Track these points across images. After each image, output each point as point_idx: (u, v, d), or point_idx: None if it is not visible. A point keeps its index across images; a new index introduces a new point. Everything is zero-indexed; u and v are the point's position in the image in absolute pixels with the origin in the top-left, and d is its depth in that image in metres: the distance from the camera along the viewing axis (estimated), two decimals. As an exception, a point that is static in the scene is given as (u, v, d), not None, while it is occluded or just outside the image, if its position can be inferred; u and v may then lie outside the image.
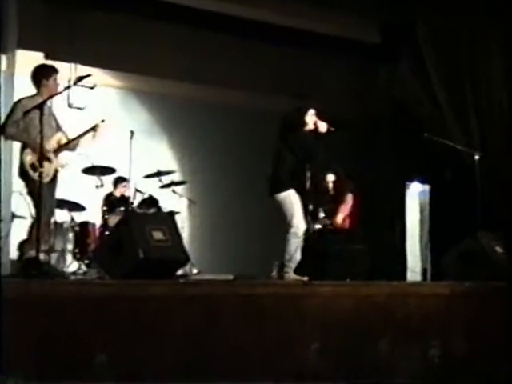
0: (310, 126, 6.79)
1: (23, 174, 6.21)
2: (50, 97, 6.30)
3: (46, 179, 6.12)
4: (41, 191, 5.72)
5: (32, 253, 5.73)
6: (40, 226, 5.68)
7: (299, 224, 6.53)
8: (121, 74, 9.99)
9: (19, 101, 6.36)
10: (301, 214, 6.61)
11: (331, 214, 8.23)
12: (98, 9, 9.35)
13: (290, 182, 6.62)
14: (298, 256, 6.58)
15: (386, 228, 9.87)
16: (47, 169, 6.15)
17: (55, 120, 6.54)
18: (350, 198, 8.36)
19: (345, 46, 10.43)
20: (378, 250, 8.31)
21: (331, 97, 10.76)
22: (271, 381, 4.71)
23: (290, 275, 6.50)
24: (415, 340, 5.52)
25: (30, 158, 6.15)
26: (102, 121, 6.49)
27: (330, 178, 8.49)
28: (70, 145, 6.50)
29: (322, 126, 6.75)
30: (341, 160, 8.61)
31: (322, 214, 8.10)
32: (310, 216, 7.22)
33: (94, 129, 6.39)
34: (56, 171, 6.34)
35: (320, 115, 6.85)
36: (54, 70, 6.50)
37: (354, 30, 10.22)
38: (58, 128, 6.52)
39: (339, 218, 8.24)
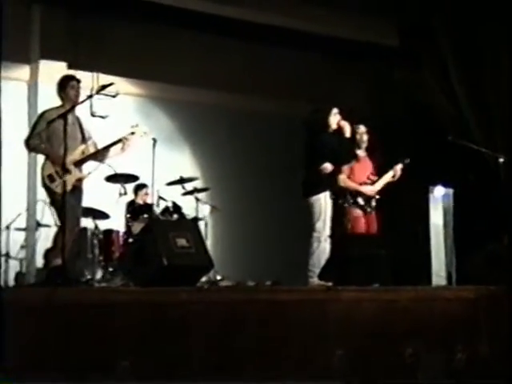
0: (333, 127, 6.78)
1: (44, 184, 6.25)
2: (72, 107, 6.31)
3: (63, 189, 6.10)
4: (64, 201, 5.76)
5: (57, 261, 5.77)
6: (64, 235, 5.70)
7: (322, 229, 6.53)
8: (142, 82, 10.05)
9: (43, 113, 6.41)
10: (327, 219, 6.63)
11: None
12: (118, 19, 9.42)
13: (322, 185, 6.64)
14: (322, 261, 6.58)
15: (409, 232, 9.81)
16: (67, 180, 6.12)
17: (82, 131, 6.51)
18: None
19: (362, 49, 10.40)
20: (402, 255, 8.28)
21: (349, 101, 10.77)
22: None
23: (314, 280, 6.50)
24: (440, 344, 5.49)
25: (48, 169, 6.18)
26: (132, 133, 6.45)
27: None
28: (98, 156, 6.48)
29: (346, 130, 6.74)
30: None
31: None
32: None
33: (121, 140, 6.36)
34: (78, 181, 6.34)
35: (343, 114, 6.84)
36: (75, 80, 6.52)
37: (372, 33, 10.19)
38: (84, 139, 6.48)
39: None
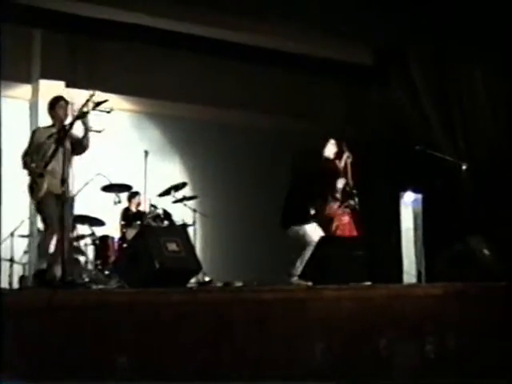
0: (330, 155, 6.91)
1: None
2: (62, 127, 6.22)
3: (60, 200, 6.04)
4: (63, 211, 5.72)
5: (43, 265, 5.87)
6: (61, 244, 5.72)
7: (313, 233, 6.59)
8: (135, 99, 10.02)
9: (34, 131, 6.36)
10: (315, 227, 6.68)
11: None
12: (115, 39, 9.39)
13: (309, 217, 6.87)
14: (304, 262, 6.63)
15: (383, 235, 9.83)
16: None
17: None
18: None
19: (339, 69, 10.42)
20: (376, 256, 8.27)
21: (328, 116, 10.79)
22: (279, 380, 4.68)
23: (295, 279, 6.51)
24: (412, 337, 5.48)
25: (47, 183, 6.11)
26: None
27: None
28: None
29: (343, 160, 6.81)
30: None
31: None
32: None
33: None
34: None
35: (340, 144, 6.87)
36: (64, 101, 6.45)
37: (348, 54, 10.21)
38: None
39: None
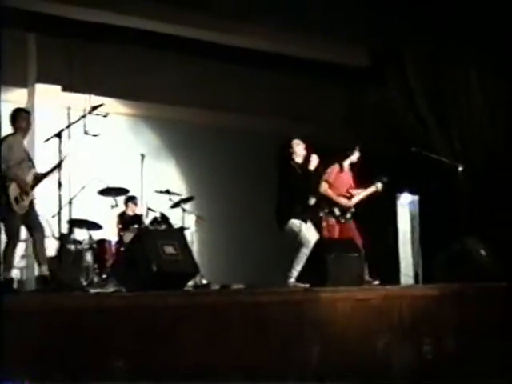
0: (300, 156, 6.83)
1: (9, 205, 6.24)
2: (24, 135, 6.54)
3: (23, 211, 6.25)
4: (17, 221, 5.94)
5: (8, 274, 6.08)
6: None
7: (309, 243, 6.64)
8: (131, 103, 10.04)
9: (5, 138, 6.36)
10: (310, 227, 6.67)
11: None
12: (110, 43, 9.41)
13: (291, 214, 6.70)
14: (301, 265, 6.64)
15: (379, 236, 9.85)
16: (25, 202, 6.29)
17: (29, 157, 6.61)
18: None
19: (336, 71, 10.45)
20: (373, 257, 8.29)
21: (325, 118, 10.82)
22: (276, 382, 4.70)
23: (292, 281, 6.53)
24: (409, 338, 5.51)
25: (14, 191, 6.21)
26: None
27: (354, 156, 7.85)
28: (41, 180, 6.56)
29: (313, 162, 6.75)
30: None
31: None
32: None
33: (59, 165, 6.30)
34: (31, 203, 6.42)
35: (309, 146, 6.84)
36: (25, 112, 6.72)
37: (344, 56, 10.25)
38: (32, 164, 6.57)
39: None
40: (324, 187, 7.43)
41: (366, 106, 10.87)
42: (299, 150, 6.81)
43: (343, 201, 7.53)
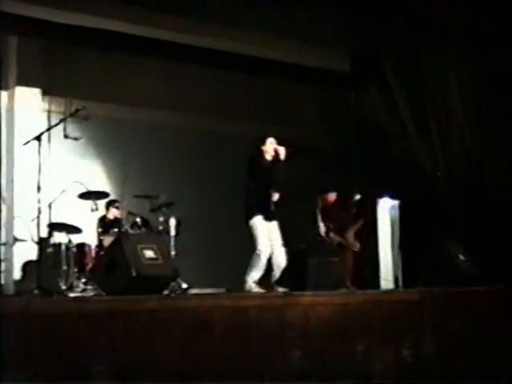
0: (270, 154, 6.83)
1: None
2: None
3: None
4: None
5: None
6: None
7: (263, 248, 6.64)
8: (112, 106, 10.00)
9: None
10: (265, 239, 6.68)
11: (341, 230, 8.14)
12: (90, 46, 9.38)
13: (256, 209, 6.70)
14: (260, 271, 6.67)
15: (360, 241, 9.90)
16: None
17: None
18: (361, 221, 8.31)
19: (318, 75, 10.50)
20: (353, 262, 8.33)
21: (306, 122, 10.86)
22: (256, 384, 4.71)
23: (252, 285, 6.55)
24: (389, 343, 5.53)
25: None
26: None
27: (356, 197, 8.41)
28: None
29: (282, 153, 6.77)
30: (316, 180, 8.62)
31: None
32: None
33: None
34: None
35: (280, 142, 6.86)
36: None
37: (325, 60, 10.30)
38: None
39: (350, 236, 8.13)
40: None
41: (347, 110, 10.93)
42: (271, 148, 6.84)
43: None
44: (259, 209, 6.71)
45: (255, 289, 6.54)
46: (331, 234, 7.76)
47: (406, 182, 9.63)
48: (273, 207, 6.72)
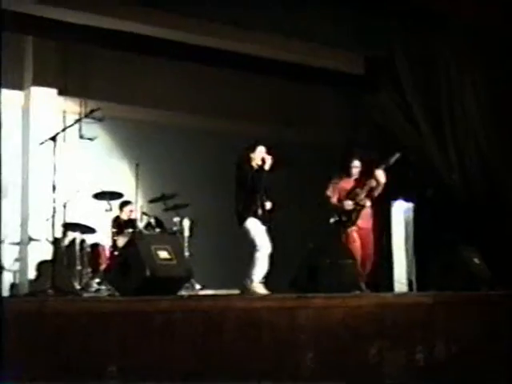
0: (256, 162, 6.86)
1: None
2: None
3: None
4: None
5: None
6: None
7: (263, 243, 6.67)
8: (127, 107, 10.05)
9: None
10: (263, 236, 6.71)
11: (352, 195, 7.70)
12: (106, 47, 9.43)
13: (247, 213, 6.75)
14: (263, 270, 6.69)
15: (374, 243, 9.90)
16: None
17: None
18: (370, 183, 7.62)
19: (331, 78, 10.50)
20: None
21: (320, 124, 10.86)
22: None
23: (256, 285, 6.57)
24: (402, 346, 5.53)
25: None
26: None
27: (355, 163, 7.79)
28: None
29: (267, 163, 6.78)
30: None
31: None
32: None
33: None
34: None
35: (269, 151, 6.88)
36: None
37: (339, 63, 10.30)
38: None
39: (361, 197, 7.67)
40: (328, 200, 7.52)
41: (361, 113, 10.92)
42: (259, 156, 6.87)
43: (345, 203, 7.55)
44: (249, 213, 6.75)
45: (261, 290, 6.55)
46: (343, 201, 7.58)
47: (420, 185, 9.62)
48: (261, 212, 6.74)
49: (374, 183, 7.57)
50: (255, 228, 6.74)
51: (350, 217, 7.53)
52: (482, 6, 8.94)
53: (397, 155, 7.51)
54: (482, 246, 7.70)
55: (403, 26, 9.70)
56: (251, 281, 6.62)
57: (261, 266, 6.67)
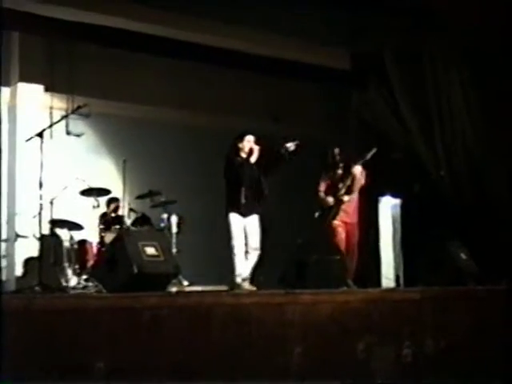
0: (245, 152, 6.83)
1: None
2: None
3: None
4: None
5: None
6: None
7: (234, 243, 6.66)
8: (114, 103, 10.01)
9: None
10: (238, 234, 6.71)
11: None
12: (93, 43, 9.39)
13: (230, 206, 6.75)
14: (243, 267, 6.67)
15: (361, 239, 9.91)
16: None
17: None
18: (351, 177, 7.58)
19: (319, 73, 10.50)
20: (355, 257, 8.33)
21: (307, 120, 10.85)
22: (256, 383, 4.72)
23: (245, 284, 6.56)
24: (389, 341, 5.54)
25: None
26: None
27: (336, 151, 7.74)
28: None
29: (254, 153, 6.76)
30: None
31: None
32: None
33: None
34: None
35: (257, 141, 6.84)
36: None
37: (326, 58, 10.29)
38: None
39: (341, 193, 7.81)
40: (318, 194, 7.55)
41: (348, 109, 10.92)
42: (247, 146, 6.83)
43: (328, 199, 7.55)
44: (232, 206, 6.73)
45: (246, 286, 6.53)
46: (326, 196, 7.58)
47: (407, 181, 9.63)
48: (244, 201, 6.67)
49: (351, 179, 7.56)
50: (234, 225, 6.72)
51: (331, 212, 7.55)
52: (468, 4, 8.96)
53: (373, 150, 7.48)
54: (469, 242, 7.74)
55: (391, 22, 9.70)
56: (235, 276, 6.61)
57: (238, 264, 6.64)
